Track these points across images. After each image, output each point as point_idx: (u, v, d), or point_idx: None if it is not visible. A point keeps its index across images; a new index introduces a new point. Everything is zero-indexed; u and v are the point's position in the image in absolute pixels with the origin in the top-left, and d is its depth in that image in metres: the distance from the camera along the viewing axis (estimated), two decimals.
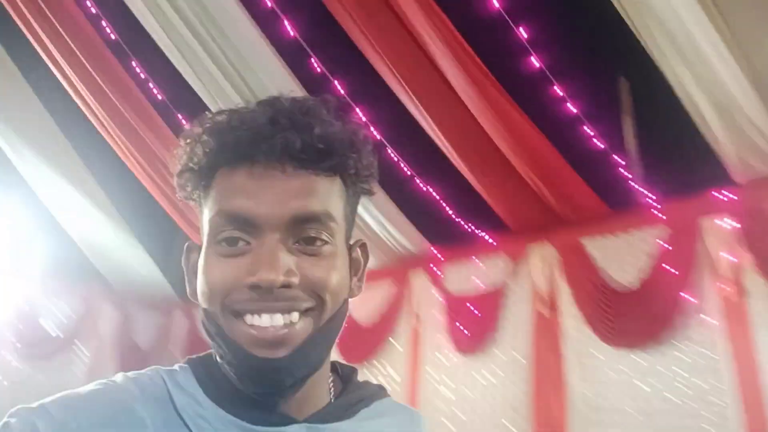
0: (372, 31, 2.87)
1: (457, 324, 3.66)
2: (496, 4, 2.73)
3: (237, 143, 0.57)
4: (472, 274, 3.77)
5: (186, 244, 0.65)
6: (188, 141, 0.61)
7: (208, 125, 0.60)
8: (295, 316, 0.56)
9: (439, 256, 3.93)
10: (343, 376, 0.70)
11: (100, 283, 5.10)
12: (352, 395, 0.67)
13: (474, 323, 3.60)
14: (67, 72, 3.81)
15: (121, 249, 4.87)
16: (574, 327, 3.29)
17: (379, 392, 0.71)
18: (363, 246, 0.68)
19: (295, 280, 0.56)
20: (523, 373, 3.39)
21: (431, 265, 3.92)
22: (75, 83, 3.85)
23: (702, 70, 2.49)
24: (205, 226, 0.60)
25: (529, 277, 3.48)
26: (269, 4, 3.11)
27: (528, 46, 2.83)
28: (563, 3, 2.82)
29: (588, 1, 2.52)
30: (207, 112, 0.62)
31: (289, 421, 0.60)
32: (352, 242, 0.66)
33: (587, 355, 3.23)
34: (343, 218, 0.62)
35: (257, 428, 0.59)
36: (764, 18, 2.35)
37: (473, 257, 3.79)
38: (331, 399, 0.66)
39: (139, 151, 4.07)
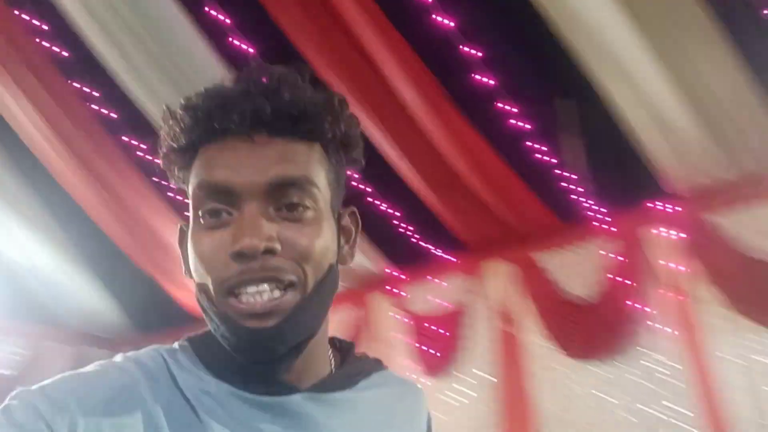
0: (324, 50, 2.92)
1: (423, 346, 3.64)
2: (448, 23, 2.82)
3: (209, 116, 0.58)
4: (434, 294, 3.77)
5: (179, 225, 0.66)
6: (168, 122, 0.61)
7: (183, 104, 0.61)
8: (279, 291, 0.57)
9: (401, 276, 3.92)
10: (342, 349, 0.71)
11: (51, 320, 4.89)
12: (351, 366, 0.68)
13: (440, 344, 3.58)
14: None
15: (71, 284, 4.70)
16: (536, 342, 3.30)
17: (378, 364, 0.72)
18: (353, 213, 0.68)
19: (277, 245, 0.56)
20: (492, 391, 3.38)
21: (390, 287, 3.89)
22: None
23: (637, 86, 2.62)
24: (190, 203, 0.61)
25: (487, 294, 3.51)
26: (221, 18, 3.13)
27: (479, 64, 2.92)
28: (512, 22, 2.93)
29: (534, 21, 2.63)
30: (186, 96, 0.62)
31: (291, 390, 0.61)
32: (341, 211, 0.66)
33: (551, 369, 3.24)
34: (327, 185, 0.62)
35: (261, 398, 0.59)
36: (696, 34, 2.50)
37: (432, 277, 3.79)
38: (332, 370, 0.66)
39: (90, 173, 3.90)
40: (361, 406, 0.66)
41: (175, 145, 0.61)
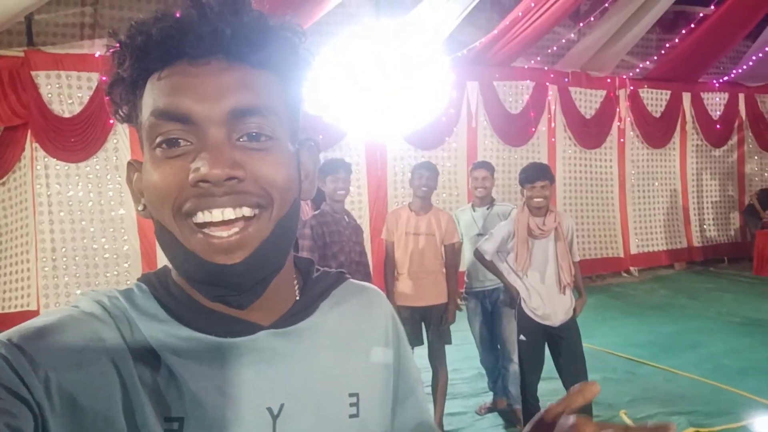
0: None
1: None
2: None
3: (164, 36, 0.54)
4: None
5: (128, 162, 0.62)
6: (114, 50, 0.57)
7: (132, 26, 0.56)
8: (246, 210, 0.54)
9: None
10: (302, 270, 0.69)
11: None
12: (312, 291, 0.67)
13: None
14: None
15: None
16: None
17: (338, 280, 0.71)
18: (311, 146, 0.66)
19: (241, 173, 0.53)
20: None
21: None
22: None
23: None
24: (143, 134, 0.57)
25: None
26: None
27: None
28: None
29: None
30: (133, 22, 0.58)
31: (255, 328, 0.59)
32: (299, 144, 0.64)
33: None
34: (286, 116, 0.60)
35: (224, 341, 0.57)
36: None
37: None
38: (296, 297, 0.65)
39: None
40: (323, 330, 0.65)
41: (125, 74, 0.56)
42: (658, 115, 9.56)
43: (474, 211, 3.87)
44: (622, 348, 5.15)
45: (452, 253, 3.54)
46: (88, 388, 0.51)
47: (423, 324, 3.50)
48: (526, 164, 3.30)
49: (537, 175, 3.15)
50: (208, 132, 0.54)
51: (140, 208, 0.60)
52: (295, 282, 0.67)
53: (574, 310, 3.20)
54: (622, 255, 9.19)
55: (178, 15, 0.55)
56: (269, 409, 0.58)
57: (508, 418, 3.70)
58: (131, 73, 0.56)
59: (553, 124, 8.69)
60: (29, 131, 6.25)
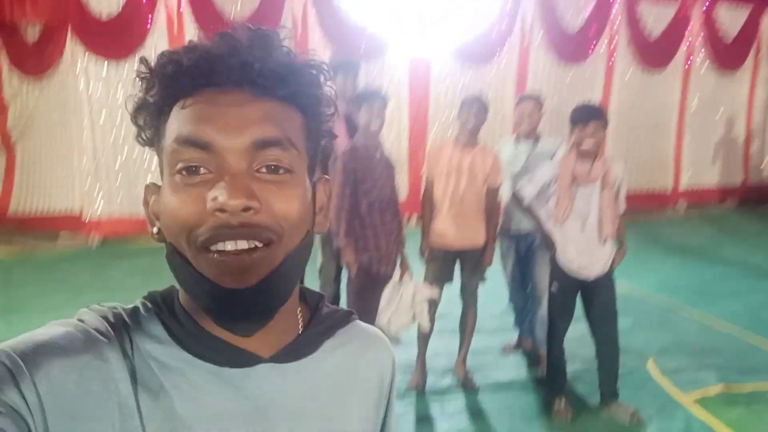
0: None
1: None
2: None
3: (194, 66, 0.56)
4: None
5: (145, 184, 0.63)
6: (142, 73, 0.58)
7: (164, 55, 0.57)
8: (258, 243, 0.55)
9: None
10: (310, 303, 0.69)
11: None
12: (318, 327, 0.67)
13: None
14: None
15: None
16: None
17: (344, 319, 0.70)
18: (326, 182, 0.67)
19: (257, 204, 0.54)
20: None
21: None
22: None
23: None
24: (164, 159, 0.58)
25: None
26: None
27: None
28: None
29: None
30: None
31: (254, 360, 0.60)
32: (315, 179, 0.65)
33: None
34: (305, 152, 0.61)
35: (223, 369, 0.58)
36: None
37: None
38: (299, 331, 0.65)
39: None
40: (323, 371, 0.65)
41: (151, 100, 0.58)
42: (732, 36, 8.70)
43: (517, 145, 3.63)
44: (657, 291, 5.03)
45: (494, 196, 3.37)
46: (85, 405, 0.52)
47: (457, 264, 3.42)
48: (578, 104, 3.02)
49: (590, 115, 2.88)
50: (228, 161, 0.55)
51: (155, 231, 0.61)
52: (300, 315, 0.66)
53: (612, 262, 3.05)
54: (669, 189, 8.79)
55: (208, 46, 0.57)
56: None
57: (532, 360, 3.70)
58: (158, 100, 0.58)
59: (614, 43, 8.04)
60: (69, 29, 6.13)
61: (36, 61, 6.33)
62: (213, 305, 0.56)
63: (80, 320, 0.57)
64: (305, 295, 0.69)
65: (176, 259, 0.57)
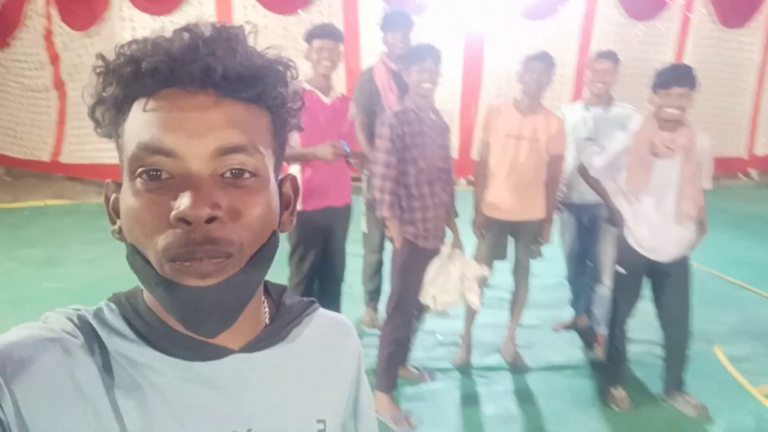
0: None
1: None
2: None
3: (154, 70, 0.54)
4: None
5: (105, 182, 0.62)
6: (101, 71, 0.56)
7: (122, 53, 0.55)
8: (223, 261, 0.54)
9: None
10: (274, 297, 0.70)
11: None
12: (284, 317, 0.68)
13: None
14: None
15: None
16: None
17: (308, 308, 0.72)
18: (293, 179, 0.67)
19: (221, 213, 0.53)
20: None
21: None
22: None
23: None
24: (124, 160, 0.56)
25: None
26: None
27: None
28: None
29: None
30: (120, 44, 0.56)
31: (224, 352, 0.60)
32: (281, 177, 0.65)
33: None
34: (271, 152, 0.61)
35: (195, 364, 0.59)
36: None
37: None
38: (266, 323, 0.66)
39: None
40: (294, 356, 0.67)
41: (110, 98, 0.56)
42: None
43: (587, 110, 3.29)
44: (724, 268, 4.65)
45: (557, 165, 3.07)
46: (58, 406, 0.52)
47: (511, 237, 3.17)
48: (666, 65, 2.65)
49: (678, 78, 2.50)
50: (192, 168, 0.54)
51: (116, 229, 0.60)
52: (265, 307, 0.68)
53: (692, 246, 2.74)
54: (745, 155, 8.14)
55: (169, 46, 0.54)
56: None
57: (587, 338, 3.46)
58: (116, 98, 0.56)
59: None
60: None
61: (84, 13, 6.29)
62: (177, 306, 0.55)
63: (45, 322, 0.57)
64: (269, 288, 0.70)
65: (138, 262, 0.56)
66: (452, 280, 2.77)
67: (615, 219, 2.82)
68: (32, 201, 6.63)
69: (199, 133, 0.54)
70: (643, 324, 3.06)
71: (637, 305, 2.86)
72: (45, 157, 7.10)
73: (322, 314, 0.73)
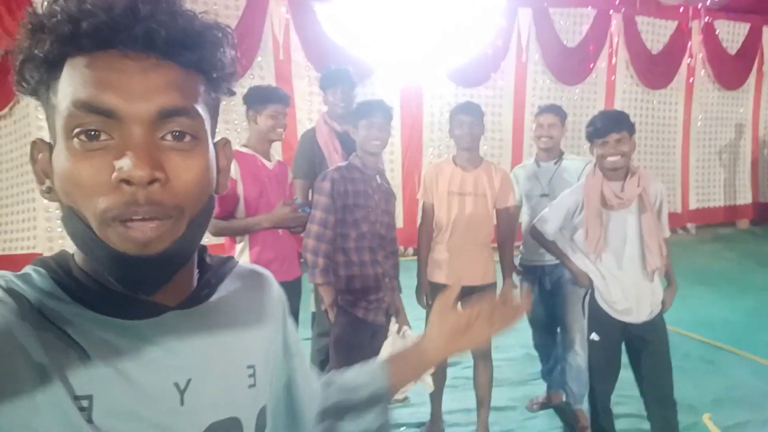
0: None
1: None
2: None
3: (94, 30, 0.52)
4: None
5: (32, 140, 0.60)
6: (32, 26, 0.54)
7: (57, 9, 0.53)
8: (164, 223, 0.55)
9: None
10: (198, 256, 0.70)
11: None
12: (210, 273, 0.70)
13: None
14: None
15: None
16: None
17: (229, 263, 0.75)
18: (227, 144, 0.68)
19: (163, 176, 0.54)
20: None
21: None
22: None
23: None
24: (57, 119, 0.55)
25: None
26: None
27: None
28: None
29: None
30: None
31: (161, 309, 0.61)
32: (215, 141, 0.65)
33: None
34: (208, 116, 0.61)
35: (132, 323, 0.59)
36: None
37: None
38: (195, 279, 0.68)
39: None
40: (223, 308, 0.69)
41: (41, 54, 0.54)
42: (733, 52, 8.41)
43: (537, 166, 3.11)
44: (694, 327, 4.44)
45: (507, 219, 2.81)
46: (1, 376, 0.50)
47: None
48: (596, 113, 2.50)
49: (611, 125, 2.35)
50: (133, 130, 0.54)
51: (45, 189, 0.59)
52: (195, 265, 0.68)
53: (663, 303, 2.49)
54: (680, 210, 8.33)
55: (110, 8, 0.53)
56: (176, 384, 0.61)
57: (567, 419, 3.09)
58: (48, 56, 0.54)
59: (614, 60, 7.68)
60: None
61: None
62: (116, 270, 0.55)
63: None
64: None
65: (76, 224, 0.55)
66: None
67: (580, 281, 2.56)
68: None
69: (141, 95, 0.54)
70: (625, 395, 2.74)
71: (617, 376, 2.54)
72: None
73: (241, 268, 0.76)
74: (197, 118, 0.57)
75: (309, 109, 6.48)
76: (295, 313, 2.72)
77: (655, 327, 2.48)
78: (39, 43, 0.54)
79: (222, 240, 2.65)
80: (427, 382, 2.44)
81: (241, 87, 6.23)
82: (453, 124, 2.75)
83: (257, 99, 2.61)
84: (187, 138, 0.56)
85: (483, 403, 2.84)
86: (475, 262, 2.73)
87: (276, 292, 0.79)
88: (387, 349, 2.39)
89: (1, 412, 0.50)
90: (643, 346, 2.47)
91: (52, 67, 0.55)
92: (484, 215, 2.74)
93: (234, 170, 2.53)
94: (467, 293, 2.75)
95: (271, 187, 2.60)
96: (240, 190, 2.53)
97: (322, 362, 3.14)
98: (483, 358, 2.82)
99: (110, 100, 0.53)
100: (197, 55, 0.57)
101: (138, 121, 0.54)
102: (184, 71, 0.57)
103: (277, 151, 5.70)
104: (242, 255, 2.56)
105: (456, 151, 2.80)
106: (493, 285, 2.76)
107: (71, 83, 0.54)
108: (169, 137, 0.56)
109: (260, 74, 6.38)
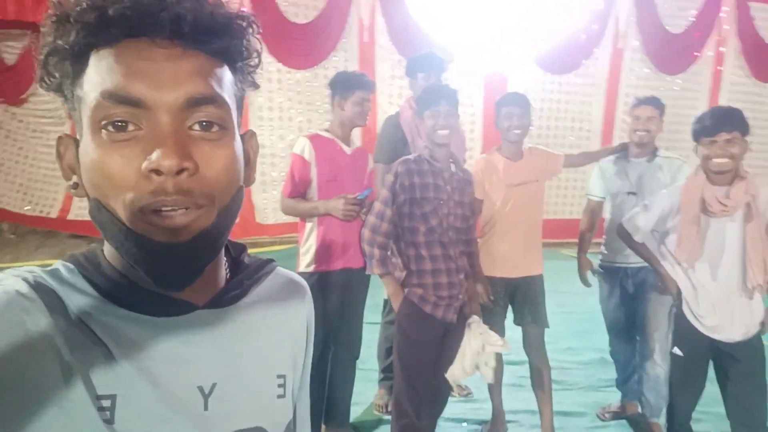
0: None
1: None
2: None
3: (120, 17, 0.52)
4: None
5: (58, 136, 0.60)
6: (57, 17, 0.53)
7: (83, 3, 0.52)
8: (194, 212, 0.54)
9: None
10: (234, 254, 0.70)
11: None
12: (244, 274, 0.68)
13: None
14: None
15: None
16: None
17: (267, 266, 0.72)
18: (253, 135, 0.67)
19: (192, 166, 0.53)
20: None
21: None
22: None
23: None
24: (84, 112, 0.54)
25: None
26: None
27: None
28: None
29: None
30: None
31: (189, 308, 0.60)
32: (241, 133, 0.64)
33: None
34: (235, 106, 0.60)
35: (159, 320, 0.58)
36: None
37: None
38: (226, 278, 0.66)
39: None
40: (255, 312, 0.67)
41: (67, 47, 0.53)
42: None
43: (627, 161, 2.91)
44: None
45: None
46: (19, 367, 0.50)
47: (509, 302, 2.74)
48: (706, 110, 2.27)
49: (722, 123, 2.13)
50: (161, 119, 0.53)
51: (71, 184, 0.59)
52: (226, 264, 0.67)
53: (762, 323, 2.26)
54: None
55: None
56: (200, 388, 0.59)
57: (642, 430, 2.91)
58: (74, 48, 0.54)
59: (722, 48, 7.04)
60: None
61: None
62: (145, 260, 0.54)
63: (4, 287, 0.54)
64: (228, 246, 0.69)
65: (104, 216, 0.54)
66: (470, 354, 2.32)
67: (667, 289, 2.37)
68: (33, 261, 6.38)
69: (169, 84, 0.53)
70: (707, 412, 2.53)
71: (700, 395, 2.35)
72: (53, 213, 6.93)
73: (279, 273, 0.74)
74: (224, 107, 0.56)
75: (389, 93, 6.44)
76: (361, 301, 2.73)
77: (750, 346, 2.25)
78: (64, 34, 0.53)
79: (296, 219, 2.69)
80: (487, 373, 2.37)
81: (324, 69, 6.33)
82: (500, 116, 2.68)
83: (343, 85, 2.60)
84: (215, 128, 0.56)
85: (544, 409, 2.72)
86: (528, 252, 2.71)
87: (309, 305, 0.76)
88: (465, 349, 2.33)
89: (29, 411, 0.49)
90: (732, 364, 2.26)
91: (78, 60, 0.54)
92: (538, 204, 2.75)
93: (309, 153, 2.54)
94: (516, 285, 2.70)
95: (347, 173, 2.59)
96: (313, 173, 2.54)
97: (388, 350, 3.14)
98: (541, 357, 2.71)
99: (139, 90, 0.52)
100: (224, 43, 0.56)
101: (166, 110, 0.53)
102: (211, 60, 0.56)
103: (356, 134, 5.73)
104: (311, 235, 2.59)
105: (502, 143, 2.74)
106: (541, 276, 2.74)
107: (98, 74, 0.53)
108: (197, 127, 0.55)
109: (344, 56, 6.41)
